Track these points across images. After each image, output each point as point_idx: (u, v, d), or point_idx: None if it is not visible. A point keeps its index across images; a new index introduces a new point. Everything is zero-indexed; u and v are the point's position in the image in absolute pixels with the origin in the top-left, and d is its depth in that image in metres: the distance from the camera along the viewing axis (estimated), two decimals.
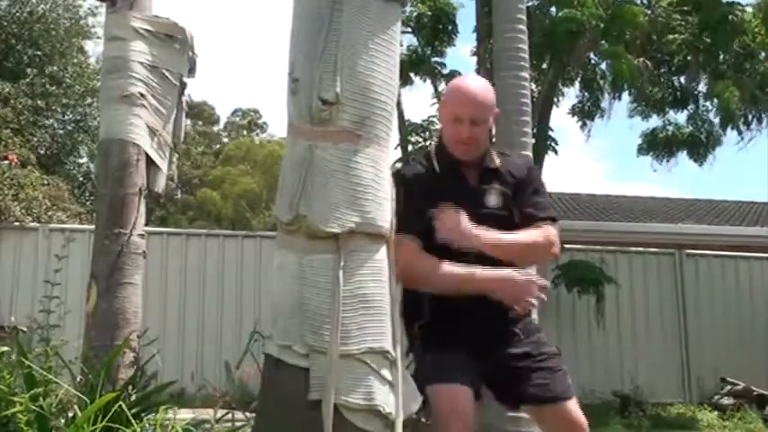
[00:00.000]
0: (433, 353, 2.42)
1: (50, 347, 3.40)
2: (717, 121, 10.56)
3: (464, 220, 2.36)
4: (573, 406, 2.39)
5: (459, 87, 2.57)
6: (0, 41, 16.01)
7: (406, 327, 2.43)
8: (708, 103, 10.86)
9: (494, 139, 2.78)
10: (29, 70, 15.34)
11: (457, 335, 2.41)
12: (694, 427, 8.01)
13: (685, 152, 10.91)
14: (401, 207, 2.34)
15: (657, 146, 11.03)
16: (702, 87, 10.95)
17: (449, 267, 2.37)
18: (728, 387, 9.18)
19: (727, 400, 8.91)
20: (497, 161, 2.55)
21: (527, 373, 2.41)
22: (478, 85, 2.55)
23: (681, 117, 11.19)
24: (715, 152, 10.80)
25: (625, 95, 10.71)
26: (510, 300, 2.38)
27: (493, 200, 2.49)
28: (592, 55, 10.13)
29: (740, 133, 10.81)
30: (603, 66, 10.45)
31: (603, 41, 9.47)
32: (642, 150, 11.26)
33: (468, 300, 2.39)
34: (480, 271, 2.36)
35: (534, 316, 2.54)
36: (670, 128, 11.06)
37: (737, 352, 9.93)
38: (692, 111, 10.93)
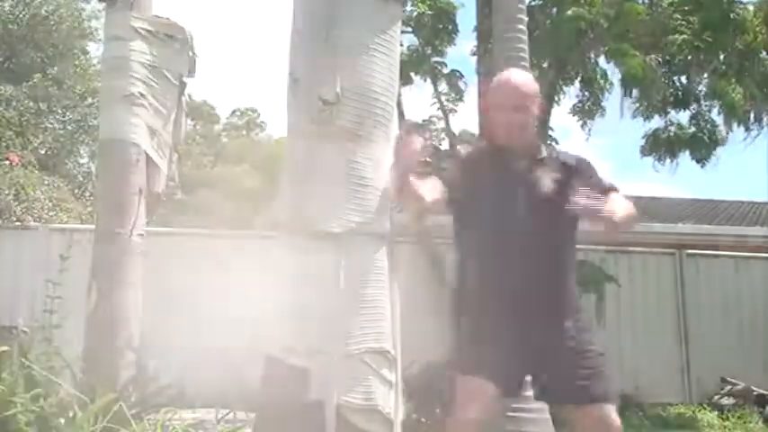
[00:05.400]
0: (469, 345, 2.44)
1: (52, 348, 3.39)
2: (720, 119, 10.51)
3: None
4: (609, 410, 2.39)
5: (501, 79, 2.64)
6: (3, 44, 15.97)
7: (453, 318, 2.49)
8: (710, 103, 10.80)
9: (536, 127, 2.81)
10: (32, 73, 15.27)
11: (501, 332, 2.42)
12: (694, 427, 7.98)
13: (687, 153, 10.84)
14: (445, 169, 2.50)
15: (659, 147, 10.96)
16: (704, 87, 10.90)
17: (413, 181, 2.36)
18: (728, 387, 9.14)
19: (727, 400, 8.88)
20: (545, 152, 2.61)
21: (569, 370, 2.42)
22: (519, 76, 2.65)
23: (683, 117, 11.12)
24: (717, 152, 10.70)
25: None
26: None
27: (548, 185, 2.52)
28: (592, 54, 10.08)
29: (747, 129, 10.74)
30: (605, 65, 10.41)
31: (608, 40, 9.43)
32: (644, 151, 11.19)
33: (516, 298, 2.42)
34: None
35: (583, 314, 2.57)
36: (672, 128, 11.01)
37: (737, 352, 9.89)
38: (694, 111, 10.88)
